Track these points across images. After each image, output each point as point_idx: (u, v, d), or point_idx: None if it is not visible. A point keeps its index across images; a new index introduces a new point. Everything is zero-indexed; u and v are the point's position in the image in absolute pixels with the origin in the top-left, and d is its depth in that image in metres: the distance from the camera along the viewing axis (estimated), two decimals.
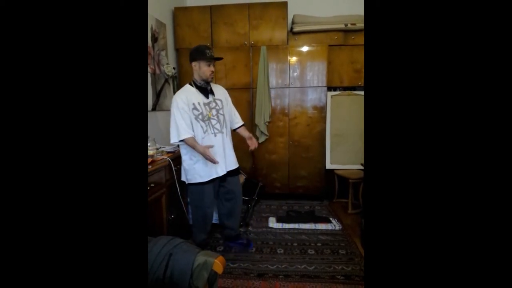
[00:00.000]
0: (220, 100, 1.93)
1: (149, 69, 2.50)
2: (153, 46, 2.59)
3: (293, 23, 3.11)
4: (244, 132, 2.09)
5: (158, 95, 2.67)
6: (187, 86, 1.89)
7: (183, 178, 1.98)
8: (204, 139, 1.84)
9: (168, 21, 2.97)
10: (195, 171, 1.88)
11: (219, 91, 1.97)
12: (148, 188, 1.65)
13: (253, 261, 1.97)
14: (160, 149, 2.03)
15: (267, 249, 2.14)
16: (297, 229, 2.46)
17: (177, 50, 3.12)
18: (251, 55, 3.01)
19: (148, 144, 1.87)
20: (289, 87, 3.05)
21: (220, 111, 1.91)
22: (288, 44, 3.03)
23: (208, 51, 1.81)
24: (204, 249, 1.92)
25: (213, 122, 1.87)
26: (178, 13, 3.05)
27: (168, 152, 2.04)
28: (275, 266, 1.90)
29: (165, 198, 1.89)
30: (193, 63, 1.83)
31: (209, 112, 1.85)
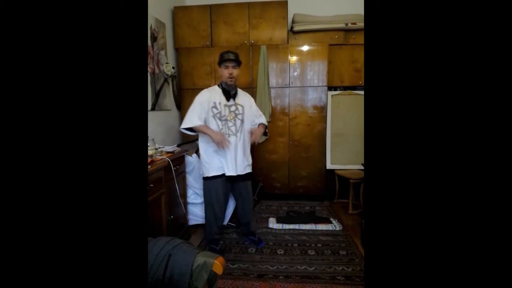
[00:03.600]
0: (242, 106, 2.01)
1: (148, 69, 2.50)
2: (152, 46, 2.58)
3: (293, 22, 3.10)
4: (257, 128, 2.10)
5: (157, 94, 2.66)
6: (215, 86, 2.04)
7: (201, 172, 2.12)
8: None
9: (167, 21, 2.96)
10: (207, 165, 2.01)
11: (244, 98, 2.07)
12: (148, 188, 1.65)
13: (253, 262, 1.96)
14: (159, 149, 2.02)
15: (267, 249, 2.13)
16: (297, 229, 2.45)
17: (177, 49, 3.12)
18: (251, 54, 3.00)
19: (147, 144, 1.86)
20: (289, 87, 3.04)
21: (239, 116, 1.99)
22: (288, 43, 3.02)
23: (226, 54, 1.93)
24: (215, 247, 2.04)
25: (230, 124, 1.97)
26: (178, 12, 3.04)
27: (168, 152, 2.04)
28: (275, 267, 1.89)
29: (164, 198, 1.88)
30: (219, 68, 2.00)
31: (230, 114, 1.96)
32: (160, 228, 1.84)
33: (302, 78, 3.01)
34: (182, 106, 3.16)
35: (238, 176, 2.02)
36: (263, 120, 2.15)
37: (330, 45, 2.98)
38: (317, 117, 3.05)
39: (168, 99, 2.90)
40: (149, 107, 2.53)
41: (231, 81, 1.93)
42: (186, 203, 2.32)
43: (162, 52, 2.78)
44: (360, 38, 3.01)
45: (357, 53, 3.03)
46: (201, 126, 1.91)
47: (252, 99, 2.13)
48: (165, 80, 2.82)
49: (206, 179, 2.03)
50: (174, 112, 3.09)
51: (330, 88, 3.09)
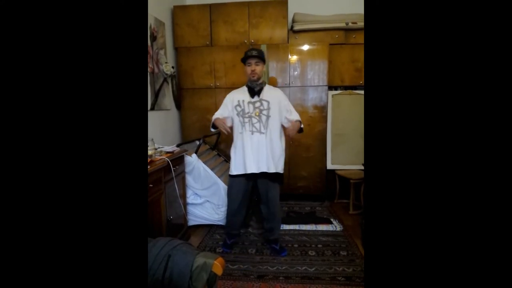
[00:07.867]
0: (267, 102, 1.96)
1: (147, 68, 2.49)
2: (152, 45, 2.57)
3: (293, 21, 3.10)
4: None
5: (156, 94, 2.65)
6: (244, 86, 2.06)
7: None
8: (242, 134, 1.98)
9: (167, 20, 2.95)
10: (231, 162, 2.06)
11: (271, 93, 2.01)
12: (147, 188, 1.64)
13: (253, 262, 1.96)
14: (158, 149, 2.01)
15: (267, 250, 2.12)
16: (298, 230, 2.44)
17: (176, 49, 3.11)
18: None
19: (147, 144, 1.86)
20: (289, 86, 3.03)
21: (264, 112, 1.96)
22: (288, 42, 3.01)
23: (248, 52, 1.97)
24: (227, 240, 2.10)
25: (254, 120, 1.96)
26: (178, 11, 3.03)
27: (167, 152, 2.03)
28: (275, 268, 1.88)
29: (163, 198, 1.87)
30: (244, 66, 2.03)
31: (255, 111, 1.96)
32: (159, 229, 1.83)
33: (303, 77, 3.00)
34: (181, 106, 3.15)
35: (262, 174, 1.95)
36: (297, 117, 2.01)
37: (330, 44, 2.97)
38: (318, 117, 3.04)
39: (168, 98, 2.90)
40: (149, 107, 2.52)
41: (253, 76, 1.93)
42: (185, 204, 2.31)
43: (162, 52, 2.77)
44: (360, 38, 2.99)
45: (358, 52, 3.02)
46: (215, 120, 1.99)
47: (282, 94, 2.04)
48: (165, 79, 2.81)
49: (230, 176, 2.08)
50: (174, 111, 3.08)
51: (330, 87, 3.08)
